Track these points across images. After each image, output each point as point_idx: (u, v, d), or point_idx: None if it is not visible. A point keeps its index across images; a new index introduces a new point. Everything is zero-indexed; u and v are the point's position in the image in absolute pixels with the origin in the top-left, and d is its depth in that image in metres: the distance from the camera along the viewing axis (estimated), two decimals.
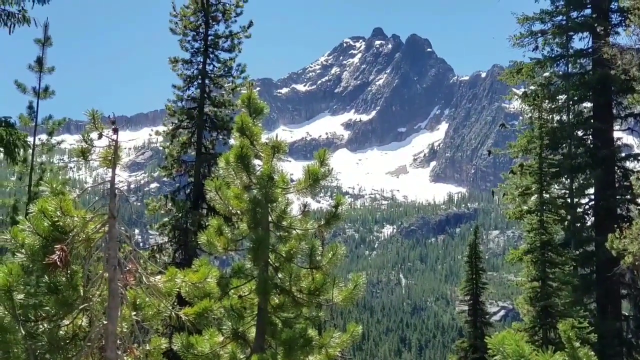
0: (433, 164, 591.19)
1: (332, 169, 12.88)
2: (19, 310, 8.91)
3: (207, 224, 30.72)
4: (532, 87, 36.50)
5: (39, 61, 33.51)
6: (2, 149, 19.82)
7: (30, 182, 33.12)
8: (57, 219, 8.91)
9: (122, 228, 9.50)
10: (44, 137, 35.07)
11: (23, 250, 8.98)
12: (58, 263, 8.66)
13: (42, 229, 8.91)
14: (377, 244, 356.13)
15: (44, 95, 33.80)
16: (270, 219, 12.75)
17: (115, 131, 9.34)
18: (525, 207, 34.19)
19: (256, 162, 12.87)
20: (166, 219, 32.81)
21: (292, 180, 13.02)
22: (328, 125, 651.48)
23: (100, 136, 9.23)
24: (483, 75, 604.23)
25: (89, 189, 10.26)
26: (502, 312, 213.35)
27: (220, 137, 33.45)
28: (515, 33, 36.26)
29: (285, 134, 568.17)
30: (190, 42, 33.67)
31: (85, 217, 9.13)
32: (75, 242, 9.04)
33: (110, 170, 9.66)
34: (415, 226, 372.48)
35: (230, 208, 12.69)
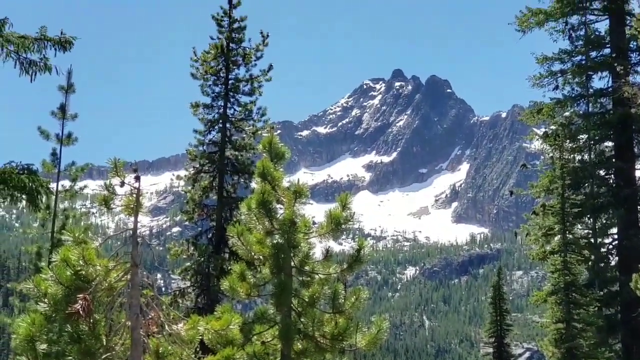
0: (455, 204, 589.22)
1: (354, 213, 12.87)
2: None
3: (229, 268, 30.70)
4: (553, 127, 36.38)
5: (62, 108, 33.76)
6: (24, 196, 19.93)
7: (53, 229, 33.21)
8: (80, 268, 8.93)
9: (145, 275, 9.49)
10: (66, 183, 35.20)
11: (46, 300, 8.98)
12: (81, 312, 8.65)
13: (64, 278, 8.92)
14: (399, 286, 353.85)
15: (67, 142, 34.01)
16: (292, 263, 12.72)
17: (137, 179, 9.38)
18: (548, 248, 33.96)
19: (278, 205, 12.87)
20: (188, 264, 32.78)
21: (314, 224, 13.01)
22: (349, 167, 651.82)
23: (122, 184, 9.25)
24: (503, 115, 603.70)
25: (111, 237, 10.27)
26: (527, 354, 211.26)
27: (242, 180, 33.49)
28: (535, 73, 36.27)
29: (307, 176, 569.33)
30: (211, 87, 33.87)
31: (107, 266, 9.13)
32: (97, 290, 9.04)
33: (129, 216, 9.67)
34: (438, 267, 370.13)
35: (253, 253, 12.69)
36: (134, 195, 9.37)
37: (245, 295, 12.77)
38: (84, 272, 8.93)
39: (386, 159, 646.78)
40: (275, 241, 12.68)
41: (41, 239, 34.83)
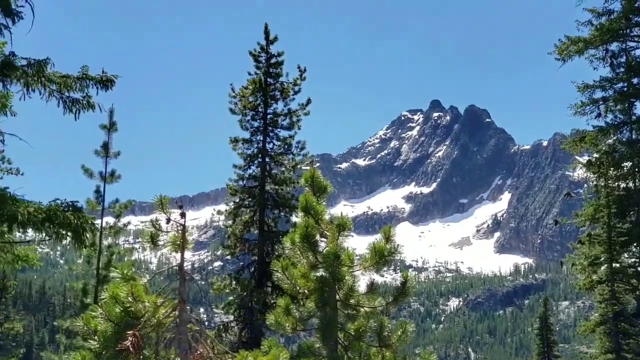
0: (497, 234, 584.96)
1: (398, 245, 12.85)
2: None
3: (272, 302, 30.88)
4: (596, 155, 36.08)
5: (105, 146, 34.19)
6: (70, 233, 20.16)
7: (99, 265, 33.54)
8: (129, 304, 9.02)
9: (192, 312, 9.56)
10: (110, 219, 35.57)
11: (96, 337, 9.08)
12: (131, 349, 8.73)
13: (114, 315, 9.02)
14: (443, 317, 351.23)
15: (110, 180, 34.38)
16: (337, 297, 12.72)
17: (183, 215, 9.48)
18: (595, 277, 33.59)
19: (321, 238, 12.90)
20: (231, 298, 32.88)
21: (355, 256, 13.01)
22: (389, 198, 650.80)
23: (168, 221, 9.36)
24: (544, 143, 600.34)
25: (158, 273, 10.36)
26: None
27: (282, 214, 33.55)
28: (576, 101, 36.00)
29: (347, 208, 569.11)
30: (249, 122, 34.05)
31: (156, 302, 9.21)
32: (146, 327, 9.11)
33: (175, 252, 9.76)
34: (482, 298, 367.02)
35: (298, 287, 12.72)
36: (180, 232, 9.46)
37: (291, 329, 12.79)
38: (133, 309, 9.02)
39: (426, 190, 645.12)
40: (319, 275, 12.71)
41: (86, 276, 35.14)
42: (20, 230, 20.93)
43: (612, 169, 35.13)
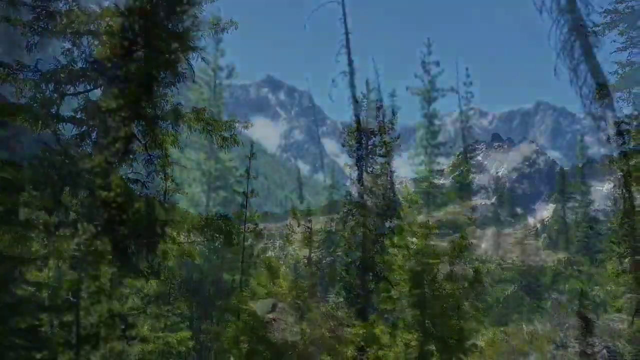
0: None
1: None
2: None
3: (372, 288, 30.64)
4: None
5: (247, 172, 35.16)
6: (222, 236, 20.80)
7: (242, 259, 34.37)
8: (270, 287, 9.14)
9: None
10: (250, 225, 36.25)
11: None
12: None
13: (258, 296, 9.14)
14: None
15: (251, 196, 35.10)
16: None
17: (309, 221, 9.58)
18: None
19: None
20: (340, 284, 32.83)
21: None
22: None
23: (298, 225, 9.47)
24: None
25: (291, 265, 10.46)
26: None
27: None
28: None
29: None
30: None
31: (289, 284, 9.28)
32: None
33: (303, 248, 9.85)
34: None
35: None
36: (308, 233, 9.58)
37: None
38: (273, 291, 9.14)
39: None
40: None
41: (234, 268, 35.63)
42: (185, 234, 21.84)
43: None
